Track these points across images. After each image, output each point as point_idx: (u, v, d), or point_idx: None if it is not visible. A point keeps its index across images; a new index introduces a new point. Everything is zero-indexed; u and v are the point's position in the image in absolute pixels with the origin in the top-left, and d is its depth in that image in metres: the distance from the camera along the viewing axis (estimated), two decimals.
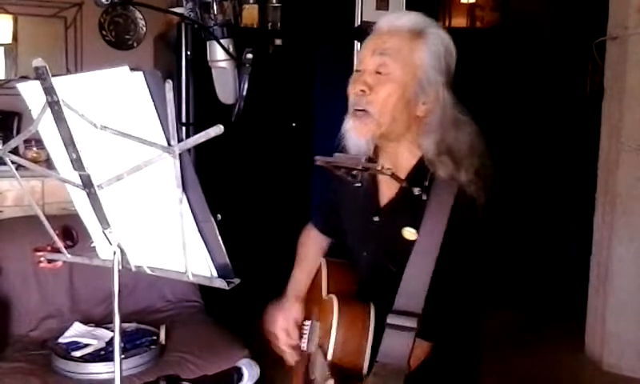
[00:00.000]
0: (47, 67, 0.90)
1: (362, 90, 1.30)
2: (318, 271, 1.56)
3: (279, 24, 3.70)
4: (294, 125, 3.72)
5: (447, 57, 1.31)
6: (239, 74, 1.71)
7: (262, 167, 3.62)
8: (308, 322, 1.55)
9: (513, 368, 3.37)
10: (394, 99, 1.28)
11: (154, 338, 2.43)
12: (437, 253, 1.19)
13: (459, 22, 5.61)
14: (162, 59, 3.80)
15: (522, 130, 5.36)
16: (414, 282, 1.19)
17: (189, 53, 3.33)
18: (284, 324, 1.53)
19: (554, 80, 5.52)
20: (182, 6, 3.17)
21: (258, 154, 3.59)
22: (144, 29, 3.90)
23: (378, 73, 1.29)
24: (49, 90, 0.92)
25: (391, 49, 1.29)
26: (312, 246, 1.63)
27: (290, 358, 1.55)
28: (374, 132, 1.31)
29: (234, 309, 2.73)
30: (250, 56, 1.63)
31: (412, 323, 1.16)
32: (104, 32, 3.83)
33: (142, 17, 3.90)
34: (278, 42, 3.62)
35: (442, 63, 1.30)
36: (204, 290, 2.91)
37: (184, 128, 3.39)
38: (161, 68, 3.78)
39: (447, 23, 5.52)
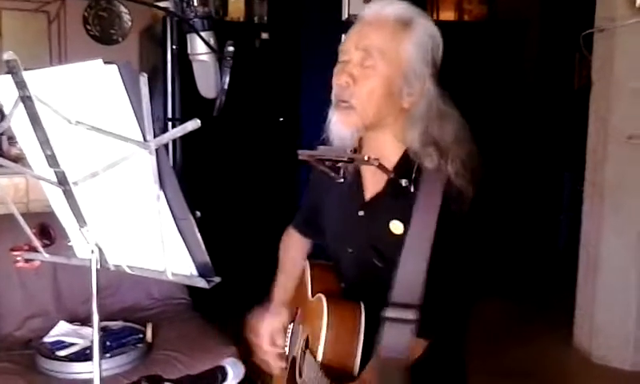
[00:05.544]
0: (18, 61, 0.87)
1: (347, 82, 1.27)
2: (302, 273, 1.52)
3: (266, 18, 3.68)
4: (281, 119, 3.70)
5: (434, 49, 1.28)
6: (220, 68, 1.67)
7: (249, 162, 3.59)
8: (290, 325, 1.51)
9: (501, 360, 3.38)
10: (378, 93, 1.26)
11: (141, 336, 2.40)
12: (430, 244, 1.17)
13: (447, 15, 5.59)
14: (148, 54, 3.75)
15: (510, 123, 5.36)
16: (410, 274, 1.18)
17: (174, 47, 3.29)
18: (269, 332, 1.46)
19: (542, 72, 5.54)
20: None
21: (246, 149, 3.57)
22: (129, 23, 3.84)
23: (363, 65, 1.26)
24: (20, 85, 0.89)
25: (376, 41, 1.25)
26: (295, 250, 1.60)
27: (276, 367, 1.48)
28: (359, 124, 1.29)
29: (222, 305, 2.71)
30: (231, 49, 1.60)
31: (412, 315, 1.15)
32: (88, 26, 3.77)
33: (127, 11, 3.85)
34: (265, 35, 3.60)
35: (428, 55, 1.26)
36: (191, 287, 2.87)
37: (170, 123, 3.36)
38: (147, 63, 3.74)
39: (435, 16, 5.49)
